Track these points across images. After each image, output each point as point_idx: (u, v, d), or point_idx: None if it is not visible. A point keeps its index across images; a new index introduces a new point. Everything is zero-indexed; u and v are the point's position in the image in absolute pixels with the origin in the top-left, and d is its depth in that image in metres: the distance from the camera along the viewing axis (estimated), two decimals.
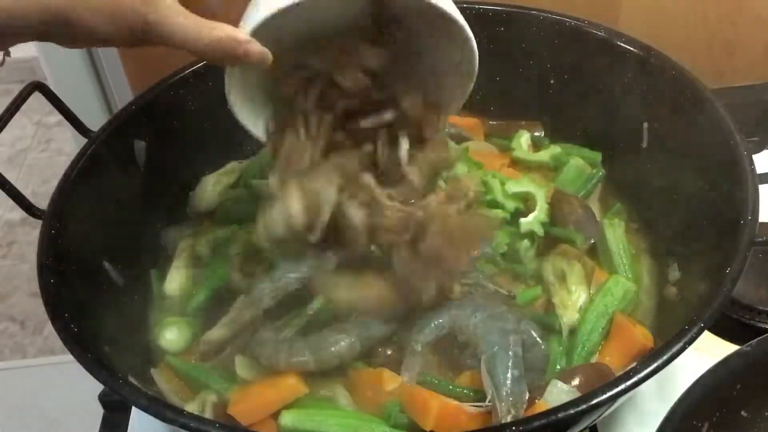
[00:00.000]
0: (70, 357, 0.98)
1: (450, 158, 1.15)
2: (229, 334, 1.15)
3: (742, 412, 1.06)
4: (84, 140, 1.28)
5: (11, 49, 0.97)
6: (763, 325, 1.25)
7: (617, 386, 0.89)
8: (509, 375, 1.02)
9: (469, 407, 1.03)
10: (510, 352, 1.04)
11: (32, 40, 0.92)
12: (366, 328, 1.10)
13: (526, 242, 1.24)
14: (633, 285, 1.21)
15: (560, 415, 0.88)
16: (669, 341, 0.93)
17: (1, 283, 3.20)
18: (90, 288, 1.15)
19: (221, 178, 1.43)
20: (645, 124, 1.33)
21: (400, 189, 1.07)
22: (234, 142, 1.45)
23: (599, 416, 1.03)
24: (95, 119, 1.34)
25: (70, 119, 1.31)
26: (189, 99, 1.38)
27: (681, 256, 1.22)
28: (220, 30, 0.94)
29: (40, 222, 1.15)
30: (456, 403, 1.03)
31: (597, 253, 1.27)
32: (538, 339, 1.08)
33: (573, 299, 1.18)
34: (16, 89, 1.24)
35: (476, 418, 1.02)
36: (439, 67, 1.12)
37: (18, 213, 3.33)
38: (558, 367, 1.13)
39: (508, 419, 0.99)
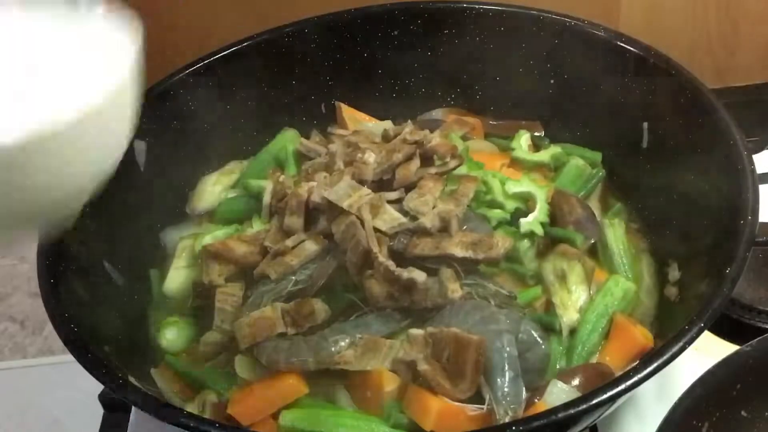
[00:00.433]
0: (70, 357, 0.98)
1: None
2: (230, 334, 1.15)
3: (742, 412, 1.06)
4: None
5: None
6: (763, 325, 1.25)
7: (617, 386, 0.90)
8: (505, 376, 1.02)
9: (468, 408, 1.03)
10: (504, 354, 1.04)
11: None
12: (366, 328, 1.10)
13: (526, 242, 1.24)
14: (633, 285, 1.21)
15: (560, 415, 0.88)
16: (669, 341, 0.93)
17: (1, 283, 3.20)
18: (90, 288, 1.15)
19: (221, 178, 1.43)
20: (645, 124, 1.33)
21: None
22: (234, 142, 1.46)
23: (599, 416, 1.03)
24: None
25: None
26: (189, 99, 1.38)
27: (681, 256, 1.22)
28: None
29: None
30: (456, 403, 1.03)
31: (597, 253, 1.27)
32: (538, 339, 1.08)
33: (573, 299, 1.18)
34: None
35: (476, 419, 1.02)
36: None
37: None
38: (558, 367, 1.13)
39: (507, 420, 0.99)
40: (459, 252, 1.11)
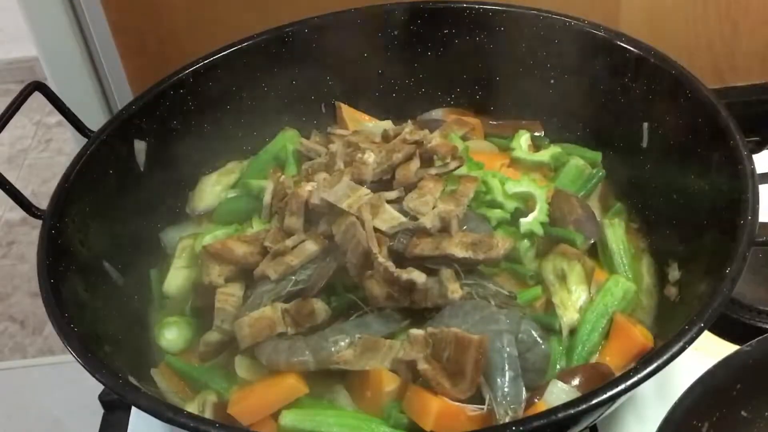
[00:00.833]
0: (70, 357, 0.98)
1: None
2: (230, 334, 1.15)
3: (742, 412, 1.06)
4: (84, 140, 1.28)
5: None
6: (763, 325, 1.25)
7: (617, 386, 0.90)
8: (505, 376, 1.02)
9: (468, 408, 1.03)
10: (504, 354, 1.04)
11: None
12: (366, 328, 1.10)
13: (526, 242, 1.24)
14: (633, 285, 1.21)
15: (560, 415, 0.88)
16: (669, 341, 0.93)
17: (1, 283, 3.20)
18: (90, 288, 1.16)
19: (221, 178, 1.43)
20: (645, 124, 1.33)
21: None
22: (234, 142, 1.46)
23: (599, 416, 1.03)
24: (95, 119, 1.34)
25: (70, 119, 1.31)
26: (189, 99, 1.38)
27: (681, 256, 1.22)
28: None
29: (40, 222, 1.15)
30: (456, 403, 1.03)
31: (597, 253, 1.27)
32: (538, 339, 1.08)
33: (573, 299, 1.18)
34: (16, 89, 1.24)
35: (476, 419, 1.02)
36: None
37: (18, 213, 3.33)
38: (558, 367, 1.13)
39: (507, 420, 0.99)
40: (459, 252, 1.11)
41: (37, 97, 1.26)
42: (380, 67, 1.49)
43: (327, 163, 1.28)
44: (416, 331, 1.07)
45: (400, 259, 1.12)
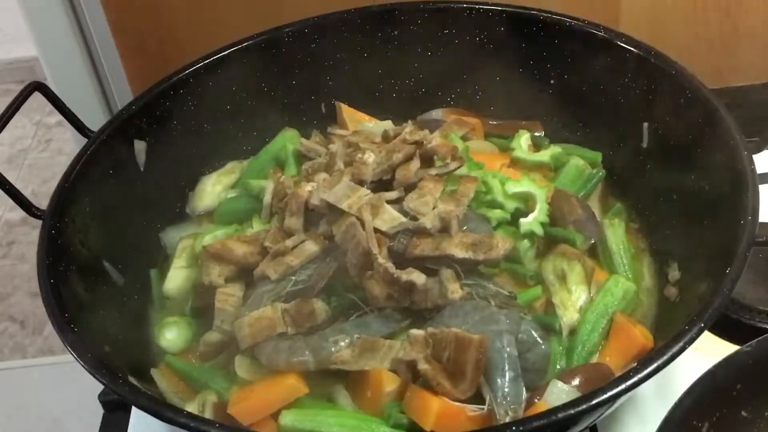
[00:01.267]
0: (70, 357, 0.98)
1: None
2: (230, 334, 1.15)
3: (742, 412, 1.06)
4: (84, 140, 1.28)
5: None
6: (763, 325, 1.25)
7: (617, 386, 0.90)
8: (505, 376, 1.02)
9: (469, 408, 1.03)
10: (504, 354, 1.04)
11: None
12: (366, 328, 1.10)
13: (526, 242, 1.24)
14: (633, 285, 1.21)
15: (560, 415, 0.88)
16: (669, 341, 0.93)
17: (1, 283, 3.20)
18: (90, 288, 1.16)
19: (221, 178, 1.43)
20: (645, 124, 1.33)
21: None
22: (234, 142, 1.46)
23: (599, 416, 1.03)
24: (95, 119, 1.34)
25: (70, 119, 1.31)
26: (189, 99, 1.38)
27: (681, 256, 1.22)
28: None
29: (40, 222, 1.15)
30: (456, 404, 1.03)
31: (597, 253, 1.27)
32: (538, 339, 1.08)
33: (573, 299, 1.18)
34: (16, 89, 1.24)
35: (476, 419, 1.02)
36: None
37: (18, 213, 3.33)
38: (558, 367, 1.13)
39: (507, 420, 0.99)
40: (459, 253, 1.11)
41: (37, 97, 1.26)
42: (380, 67, 1.49)
43: (327, 163, 1.28)
44: (416, 332, 1.07)
45: (400, 259, 1.12)
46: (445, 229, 1.14)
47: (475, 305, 1.10)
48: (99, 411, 1.30)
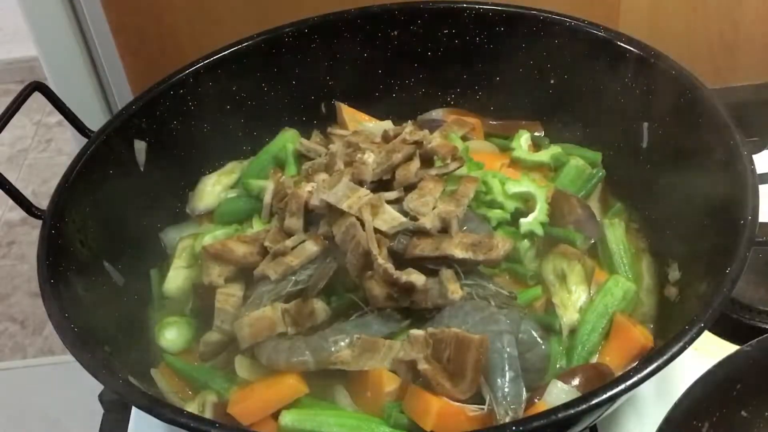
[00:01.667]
0: (70, 357, 0.98)
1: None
2: (230, 334, 1.15)
3: (742, 412, 1.06)
4: (84, 140, 1.28)
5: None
6: (763, 325, 1.25)
7: (617, 386, 0.90)
8: (505, 377, 1.02)
9: (469, 408, 1.03)
10: (504, 354, 1.04)
11: None
12: (366, 328, 1.10)
13: (526, 242, 1.24)
14: (633, 285, 1.21)
15: (560, 415, 0.88)
16: (669, 341, 0.93)
17: (1, 283, 3.20)
18: (90, 288, 1.16)
19: (221, 178, 1.43)
20: (645, 124, 1.33)
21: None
22: (234, 142, 1.46)
23: (599, 416, 1.03)
24: (95, 119, 1.34)
25: (70, 119, 1.31)
26: (189, 99, 1.38)
27: (681, 256, 1.22)
28: None
29: (40, 222, 1.15)
30: (456, 404, 1.03)
31: (597, 253, 1.27)
32: (538, 339, 1.08)
33: (573, 299, 1.18)
34: (16, 89, 1.24)
35: (476, 419, 1.02)
36: None
37: (18, 213, 3.33)
38: (558, 367, 1.13)
39: (507, 420, 0.99)
40: (459, 253, 1.11)
41: (37, 97, 1.26)
42: (380, 67, 1.49)
43: (327, 163, 1.28)
44: (416, 332, 1.07)
45: (400, 259, 1.12)
46: (445, 230, 1.14)
47: (475, 305, 1.10)
48: (99, 411, 1.30)
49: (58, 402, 2.28)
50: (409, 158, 1.23)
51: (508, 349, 1.04)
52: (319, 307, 1.13)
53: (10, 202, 1.16)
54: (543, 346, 1.08)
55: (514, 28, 1.42)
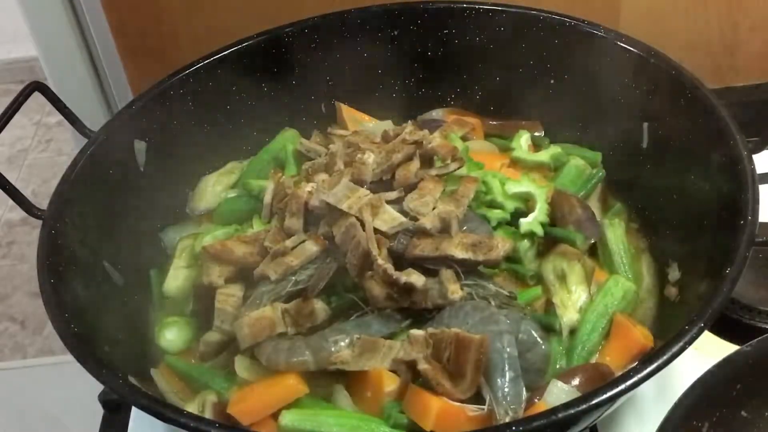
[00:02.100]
0: (70, 357, 0.98)
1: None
2: (230, 334, 1.15)
3: (742, 412, 1.06)
4: (84, 140, 1.28)
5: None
6: (763, 325, 1.25)
7: (617, 386, 0.90)
8: (505, 377, 1.02)
9: (469, 408, 1.03)
10: (504, 354, 1.04)
11: None
12: (366, 328, 1.10)
13: (526, 242, 1.24)
14: (633, 285, 1.21)
15: (560, 415, 0.88)
16: (669, 341, 0.93)
17: (1, 283, 3.21)
18: (90, 288, 1.15)
19: (221, 178, 1.43)
20: (645, 124, 1.33)
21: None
22: (234, 142, 1.46)
23: (599, 416, 1.03)
24: (95, 119, 1.34)
25: (70, 119, 1.31)
26: (189, 99, 1.38)
27: (681, 256, 1.22)
28: None
29: (40, 222, 1.15)
30: (456, 404, 1.03)
31: (597, 253, 1.27)
32: (538, 339, 1.08)
33: (573, 299, 1.18)
34: (16, 89, 1.24)
35: (476, 419, 1.02)
36: None
37: (18, 213, 3.33)
38: (558, 367, 1.13)
39: (507, 420, 0.99)
40: (459, 253, 1.11)
41: (37, 97, 1.26)
42: (380, 67, 1.49)
43: (327, 163, 1.28)
44: (416, 332, 1.07)
45: (400, 259, 1.12)
46: (445, 230, 1.14)
47: (475, 305, 1.10)
48: (99, 411, 1.30)
49: (58, 402, 2.28)
50: (409, 158, 1.23)
51: (508, 349, 1.04)
52: (319, 307, 1.13)
53: (10, 202, 1.16)
54: (543, 346, 1.08)
55: (514, 28, 1.42)
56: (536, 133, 1.46)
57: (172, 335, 1.22)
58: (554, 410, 0.89)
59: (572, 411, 0.88)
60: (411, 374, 1.06)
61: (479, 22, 1.44)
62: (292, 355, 1.09)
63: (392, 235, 1.13)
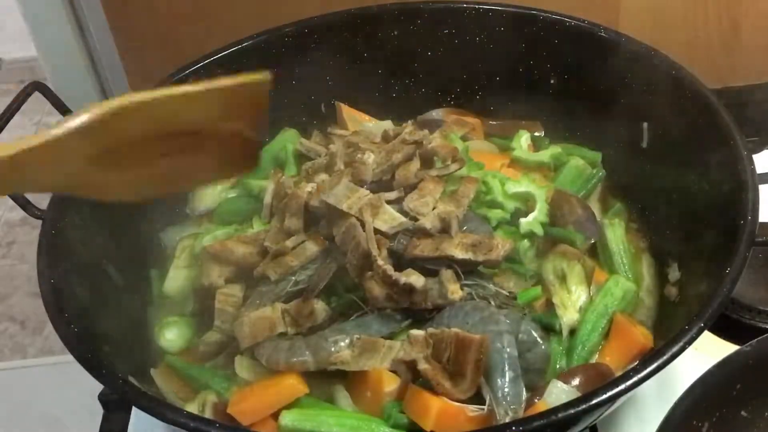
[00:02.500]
0: (70, 357, 0.98)
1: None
2: (230, 334, 1.15)
3: (742, 412, 1.06)
4: None
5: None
6: (763, 325, 1.25)
7: (617, 386, 0.90)
8: (505, 377, 1.02)
9: (469, 408, 1.03)
10: (505, 354, 1.04)
11: None
12: (366, 328, 1.10)
13: (526, 242, 1.24)
14: (633, 285, 1.21)
15: (560, 415, 0.88)
16: (669, 341, 0.93)
17: (1, 283, 3.20)
18: (90, 288, 1.15)
19: None
20: (645, 124, 1.33)
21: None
22: None
23: (599, 416, 1.03)
24: None
25: None
26: None
27: (681, 256, 1.22)
28: None
29: (40, 222, 1.15)
30: (456, 404, 1.03)
31: (597, 253, 1.27)
32: (538, 339, 1.08)
33: (573, 299, 1.18)
34: (16, 89, 1.24)
35: (476, 419, 1.02)
36: None
37: (18, 213, 3.33)
38: (558, 367, 1.13)
39: (507, 420, 0.99)
40: (459, 254, 1.11)
41: (37, 97, 1.26)
42: (380, 67, 1.49)
43: (327, 163, 1.28)
44: (417, 332, 1.07)
45: (400, 259, 1.12)
46: (445, 230, 1.14)
47: (475, 305, 1.10)
48: (99, 411, 1.30)
49: (58, 402, 2.27)
50: (409, 158, 1.23)
51: (508, 349, 1.04)
52: (319, 307, 1.13)
53: (10, 202, 1.16)
54: (543, 346, 1.08)
55: (514, 28, 1.42)
56: (536, 133, 1.46)
57: (172, 335, 1.22)
58: (554, 410, 0.89)
59: (572, 411, 0.88)
60: (411, 374, 1.06)
61: (479, 22, 1.44)
62: (292, 355, 1.09)
63: (392, 236, 1.13)
